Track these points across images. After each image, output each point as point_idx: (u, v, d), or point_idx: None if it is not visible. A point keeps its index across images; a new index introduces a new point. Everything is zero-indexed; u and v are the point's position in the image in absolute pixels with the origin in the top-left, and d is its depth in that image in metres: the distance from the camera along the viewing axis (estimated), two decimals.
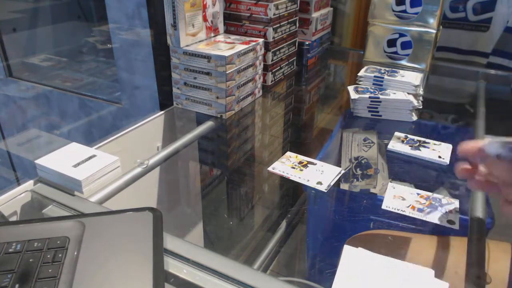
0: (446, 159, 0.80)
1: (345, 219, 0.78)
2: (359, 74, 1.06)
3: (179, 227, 1.11)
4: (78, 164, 0.67)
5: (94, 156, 0.70)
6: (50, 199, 0.65)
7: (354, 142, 0.91)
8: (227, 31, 1.08)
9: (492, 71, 1.22)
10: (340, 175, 0.75)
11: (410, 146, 0.84)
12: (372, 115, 1.00)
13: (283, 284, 0.48)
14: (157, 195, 1.00)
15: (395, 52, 1.14)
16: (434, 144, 0.85)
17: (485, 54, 1.27)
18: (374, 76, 1.03)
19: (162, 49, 0.96)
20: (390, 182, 0.75)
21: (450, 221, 0.63)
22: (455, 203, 0.67)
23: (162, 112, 0.99)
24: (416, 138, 0.87)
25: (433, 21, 1.07)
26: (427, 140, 0.86)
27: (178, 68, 0.95)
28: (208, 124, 0.94)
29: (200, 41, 0.97)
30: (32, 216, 0.67)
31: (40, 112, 1.68)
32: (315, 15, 1.24)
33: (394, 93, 0.99)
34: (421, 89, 1.01)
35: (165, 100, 1.02)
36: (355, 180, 0.80)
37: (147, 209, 0.58)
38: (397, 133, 0.89)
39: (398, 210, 0.65)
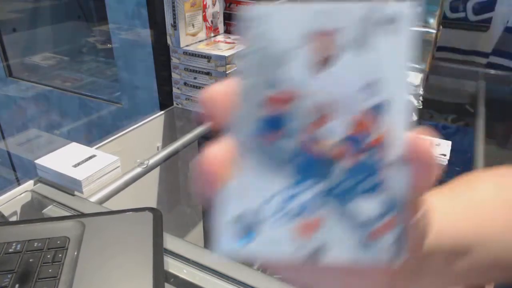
0: (446, 158, 0.80)
1: None
2: None
3: (179, 227, 1.11)
4: (78, 164, 0.67)
5: (94, 156, 0.70)
6: (50, 199, 0.65)
7: None
8: (227, 31, 1.08)
9: (492, 71, 1.22)
10: None
11: None
12: None
13: (283, 284, 0.48)
14: (157, 195, 1.00)
15: None
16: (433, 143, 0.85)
17: (485, 54, 1.27)
18: None
19: (162, 49, 0.96)
20: None
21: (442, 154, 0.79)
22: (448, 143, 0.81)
23: (162, 112, 0.99)
24: None
25: (433, 21, 1.07)
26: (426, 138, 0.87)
27: (178, 68, 0.95)
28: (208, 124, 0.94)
29: (200, 41, 0.97)
30: (32, 216, 0.67)
31: (40, 112, 1.69)
32: None
33: None
34: (421, 89, 1.01)
35: (165, 100, 1.02)
36: None
37: (147, 209, 0.58)
38: None
39: None
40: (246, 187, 0.20)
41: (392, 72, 0.20)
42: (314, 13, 0.20)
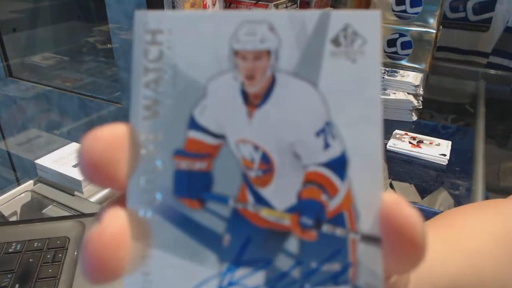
0: (446, 158, 0.80)
1: None
2: None
3: None
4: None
5: None
6: (50, 199, 0.65)
7: None
8: None
9: (492, 71, 1.22)
10: None
11: (409, 143, 0.85)
12: None
13: None
14: None
15: (395, 52, 1.13)
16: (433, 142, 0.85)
17: (485, 54, 1.27)
18: None
19: None
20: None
21: (442, 155, 0.81)
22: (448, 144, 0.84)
23: None
24: (414, 135, 0.87)
25: (433, 21, 1.07)
26: (426, 138, 0.87)
27: None
28: None
29: None
30: (32, 216, 0.67)
31: (40, 112, 1.68)
32: None
33: (394, 93, 0.99)
34: (421, 89, 1.01)
35: None
36: None
37: None
38: (396, 131, 0.89)
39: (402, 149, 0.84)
40: (162, 274, 0.14)
41: (355, 111, 0.14)
42: (241, 24, 0.14)
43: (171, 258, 0.14)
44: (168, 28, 0.14)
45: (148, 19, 0.15)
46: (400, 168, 0.81)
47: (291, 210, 0.15)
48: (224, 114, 0.15)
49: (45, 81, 1.63)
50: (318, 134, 0.14)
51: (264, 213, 0.15)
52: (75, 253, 0.50)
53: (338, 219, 0.14)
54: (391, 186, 0.77)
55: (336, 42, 0.14)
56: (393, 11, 1.11)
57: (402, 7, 1.09)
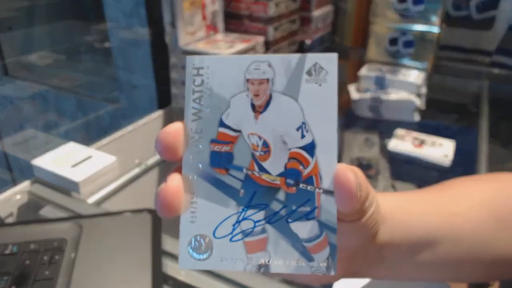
0: (448, 159, 0.79)
1: None
2: (361, 73, 1.05)
3: (177, 228, 1.10)
4: (76, 164, 0.66)
5: (91, 156, 0.69)
6: (47, 200, 0.64)
7: (355, 143, 0.90)
8: (227, 30, 1.07)
9: (496, 70, 1.21)
10: None
11: (412, 143, 0.84)
12: (373, 115, 0.99)
13: (283, 284, 0.48)
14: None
15: (397, 51, 1.13)
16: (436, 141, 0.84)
17: (489, 53, 1.26)
18: (376, 76, 1.02)
19: (160, 48, 0.95)
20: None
21: (445, 155, 0.80)
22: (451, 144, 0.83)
23: (161, 111, 0.98)
24: (417, 135, 0.86)
25: (435, 20, 1.06)
26: (429, 137, 0.86)
27: (177, 67, 0.94)
28: None
29: (199, 40, 0.96)
30: (28, 217, 0.66)
31: (36, 112, 1.68)
32: (316, 13, 1.23)
33: (396, 93, 0.98)
34: (424, 89, 1.00)
35: (163, 99, 1.01)
36: None
37: (146, 210, 0.57)
38: (399, 131, 0.88)
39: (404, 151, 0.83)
40: (202, 212, 0.24)
41: (320, 115, 0.23)
42: (251, 62, 0.23)
43: (208, 203, 0.24)
44: (207, 65, 0.24)
45: (194, 60, 0.24)
46: (402, 168, 0.80)
47: (280, 174, 0.24)
48: (240, 118, 0.24)
49: (42, 80, 1.63)
50: (297, 129, 0.23)
51: (264, 176, 0.24)
52: (73, 255, 0.50)
53: (309, 180, 0.23)
54: (393, 187, 0.77)
55: (309, 73, 0.23)
56: (395, 9, 1.10)
57: (404, 5, 1.08)
